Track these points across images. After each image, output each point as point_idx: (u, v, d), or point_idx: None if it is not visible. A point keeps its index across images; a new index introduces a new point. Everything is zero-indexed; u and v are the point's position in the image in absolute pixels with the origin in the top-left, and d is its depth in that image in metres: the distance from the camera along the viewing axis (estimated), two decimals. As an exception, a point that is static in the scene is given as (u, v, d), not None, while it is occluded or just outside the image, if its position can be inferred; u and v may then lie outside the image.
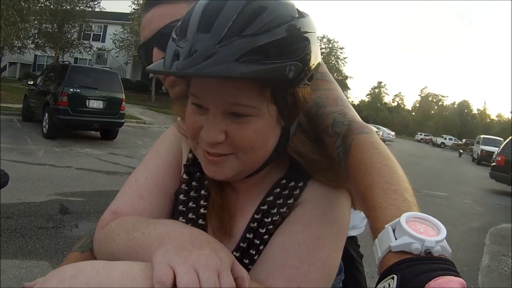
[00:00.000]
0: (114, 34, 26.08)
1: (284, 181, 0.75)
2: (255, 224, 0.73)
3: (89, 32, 29.26)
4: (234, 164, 0.65)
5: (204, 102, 0.63)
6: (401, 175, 0.62)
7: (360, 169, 0.64)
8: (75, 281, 0.48)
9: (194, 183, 0.77)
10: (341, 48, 46.80)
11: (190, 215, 0.75)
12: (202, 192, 0.76)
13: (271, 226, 0.72)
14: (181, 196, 0.77)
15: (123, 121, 10.68)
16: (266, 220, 0.72)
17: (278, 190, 0.74)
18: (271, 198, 0.74)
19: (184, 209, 0.76)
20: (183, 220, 0.75)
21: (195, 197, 0.76)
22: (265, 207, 0.73)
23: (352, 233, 1.46)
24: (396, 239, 0.47)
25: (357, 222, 1.50)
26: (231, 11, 0.57)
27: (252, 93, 0.61)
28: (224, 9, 0.58)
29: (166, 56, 0.60)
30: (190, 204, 0.76)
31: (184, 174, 0.78)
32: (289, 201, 0.73)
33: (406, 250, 0.46)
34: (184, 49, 0.57)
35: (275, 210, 0.72)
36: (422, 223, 0.48)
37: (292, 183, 0.74)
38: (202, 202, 0.76)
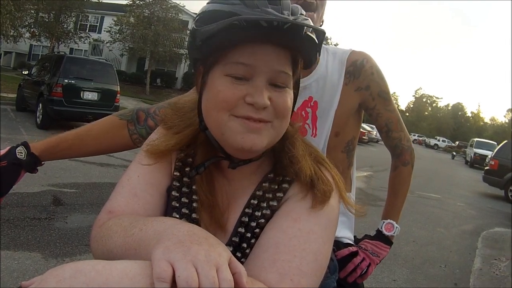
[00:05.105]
0: (110, 26, 25.89)
1: (272, 175, 0.78)
2: (246, 218, 0.75)
3: (85, 23, 29.07)
4: (270, 133, 0.70)
5: (251, 70, 0.67)
6: (404, 200, 1.46)
7: (393, 188, 1.47)
8: (74, 281, 0.47)
9: (185, 179, 0.79)
10: (335, 45, 46.79)
11: (183, 210, 0.77)
12: (194, 187, 0.78)
13: (262, 220, 0.74)
14: (174, 192, 0.78)
15: (117, 113, 10.59)
16: (256, 214, 0.75)
17: (267, 184, 0.77)
18: (260, 192, 0.77)
19: (177, 204, 0.77)
20: (177, 216, 0.76)
21: (187, 193, 0.78)
22: (255, 201, 0.76)
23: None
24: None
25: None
26: None
27: (288, 62, 0.70)
28: None
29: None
30: (183, 199, 0.78)
31: (175, 171, 0.79)
32: (278, 195, 0.75)
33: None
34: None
35: (265, 204, 0.75)
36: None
37: (281, 178, 0.77)
38: (194, 197, 0.77)
